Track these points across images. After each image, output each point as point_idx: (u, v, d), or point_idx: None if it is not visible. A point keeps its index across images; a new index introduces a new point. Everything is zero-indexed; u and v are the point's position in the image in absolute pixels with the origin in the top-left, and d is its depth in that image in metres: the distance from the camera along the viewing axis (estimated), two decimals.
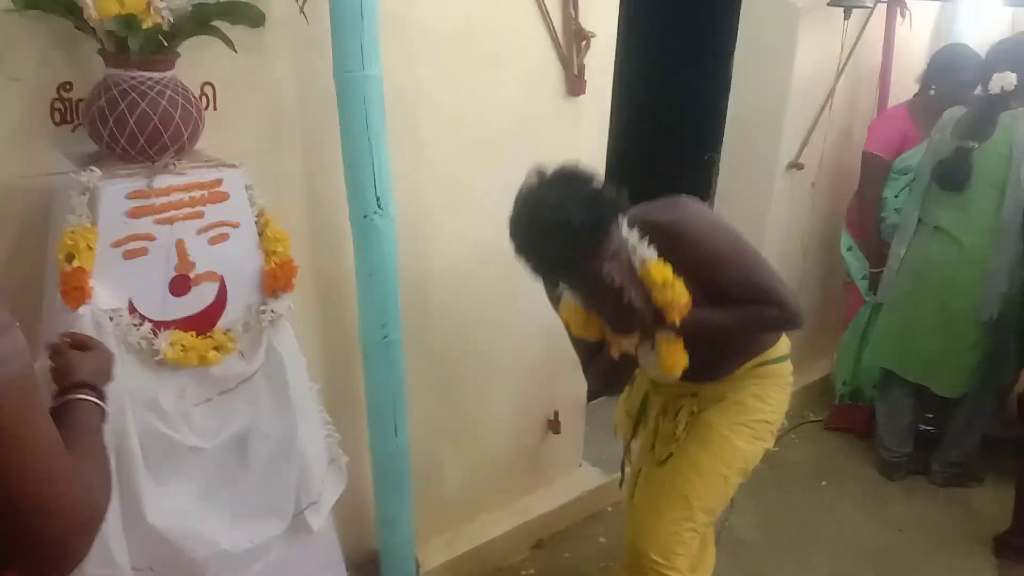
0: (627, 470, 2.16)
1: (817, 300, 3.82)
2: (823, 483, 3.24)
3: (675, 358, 1.74)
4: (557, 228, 1.50)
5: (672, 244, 1.66)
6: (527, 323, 2.57)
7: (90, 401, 1.12)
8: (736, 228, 1.85)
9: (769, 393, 1.97)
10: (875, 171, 3.14)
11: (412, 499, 2.18)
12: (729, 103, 3.41)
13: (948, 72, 3.07)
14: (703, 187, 3.62)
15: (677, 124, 3.57)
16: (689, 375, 1.78)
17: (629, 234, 1.65)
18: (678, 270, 1.65)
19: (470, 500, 2.64)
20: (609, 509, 2.98)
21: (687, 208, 1.76)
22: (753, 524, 2.92)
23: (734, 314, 1.79)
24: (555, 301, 1.85)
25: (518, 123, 2.31)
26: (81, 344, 1.24)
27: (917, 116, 3.13)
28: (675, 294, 1.63)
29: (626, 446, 2.18)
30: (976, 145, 2.79)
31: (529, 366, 2.67)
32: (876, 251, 3.20)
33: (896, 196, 3.14)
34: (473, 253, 2.34)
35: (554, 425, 2.81)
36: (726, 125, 3.45)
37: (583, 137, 2.51)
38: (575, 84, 2.38)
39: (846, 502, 3.12)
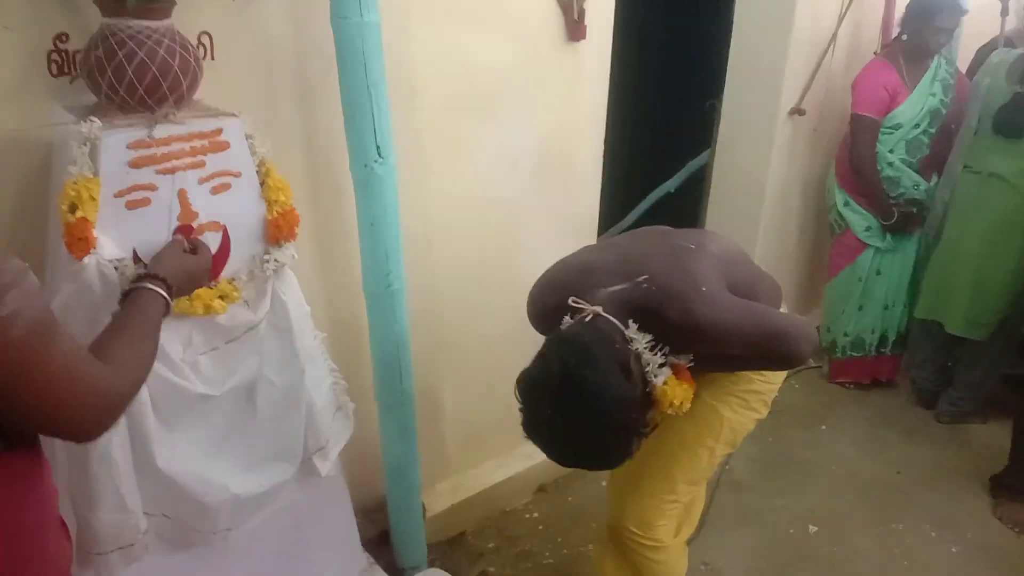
0: None
1: (814, 247, 3.84)
2: (823, 427, 3.29)
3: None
4: (587, 462, 1.57)
5: (684, 337, 1.56)
6: (526, 272, 2.57)
7: (155, 291, 1.30)
8: (749, 269, 1.80)
9: None
10: (868, 131, 3.12)
11: (418, 446, 2.21)
12: (731, 48, 3.38)
13: (921, 17, 3.05)
14: (705, 134, 3.61)
15: (679, 70, 3.54)
16: None
17: (640, 343, 1.53)
18: (688, 348, 1.60)
19: (473, 447, 2.69)
20: None
21: (699, 302, 1.56)
22: (752, 467, 2.97)
23: (739, 366, 1.77)
24: None
25: (517, 69, 2.29)
26: (193, 248, 1.46)
27: (898, 66, 3.11)
28: (680, 410, 1.57)
29: None
30: None
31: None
32: (885, 206, 3.20)
33: (891, 151, 3.13)
34: (473, 202, 2.35)
35: None
36: (728, 71, 3.42)
37: (583, 83, 2.49)
38: (575, 29, 2.35)
39: (845, 445, 3.17)
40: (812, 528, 2.70)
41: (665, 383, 1.52)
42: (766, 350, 1.64)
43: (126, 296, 1.31)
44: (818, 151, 3.55)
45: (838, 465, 3.05)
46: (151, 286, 1.31)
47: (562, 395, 1.45)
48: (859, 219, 3.29)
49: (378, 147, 1.82)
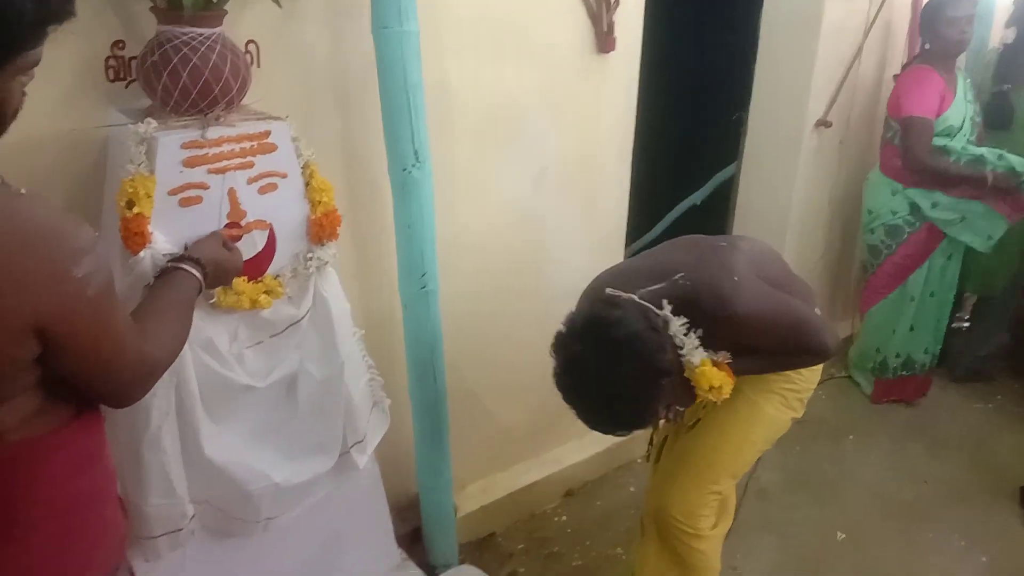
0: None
1: (840, 260, 3.85)
2: (849, 438, 3.29)
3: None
4: (614, 417, 1.61)
5: (719, 327, 1.65)
6: (557, 278, 2.63)
7: (191, 273, 1.36)
8: (781, 268, 1.88)
9: None
10: (924, 131, 3.07)
11: (450, 446, 2.26)
12: (757, 61, 3.42)
13: (933, 15, 3.09)
14: (731, 146, 3.64)
15: (706, 82, 3.59)
16: None
17: (674, 325, 1.62)
18: (722, 340, 1.67)
19: (504, 450, 2.73)
20: (639, 460, 3.05)
21: (731, 289, 1.66)
22: (778, 477, 2.98)
23: (770, 362, 1.82)
24: None
25: (549, 79, 2.35)
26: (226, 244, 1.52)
27: (941, 72, 3.11)
28: (721, 394, 1.65)
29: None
30: (1009, 87, 3.27)
31: (556, 323, 2.71)
32: (977, 175, 3.05)
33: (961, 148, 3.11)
34: (504, 209, 2.40)
35: None
36: (754, 84, 3.46)
37: (612, 93, 2.54)
38: (605, 41, 2.41)
39: (872, 457, 3.17)
40: (840, 535, 2.70)
41: (702, 363, 1.60)
42: (796, 340, 1.73)
43: (163, 274, 1.38)
44: (844, 164, 3.58)
45: (864, 477, 3.04)
46: (188, 268, 1.38)
47: (587, 334, 1.58)
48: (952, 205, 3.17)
49: (415, 151, 1.89)
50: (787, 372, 1.92)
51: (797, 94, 3.33)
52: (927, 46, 3.14)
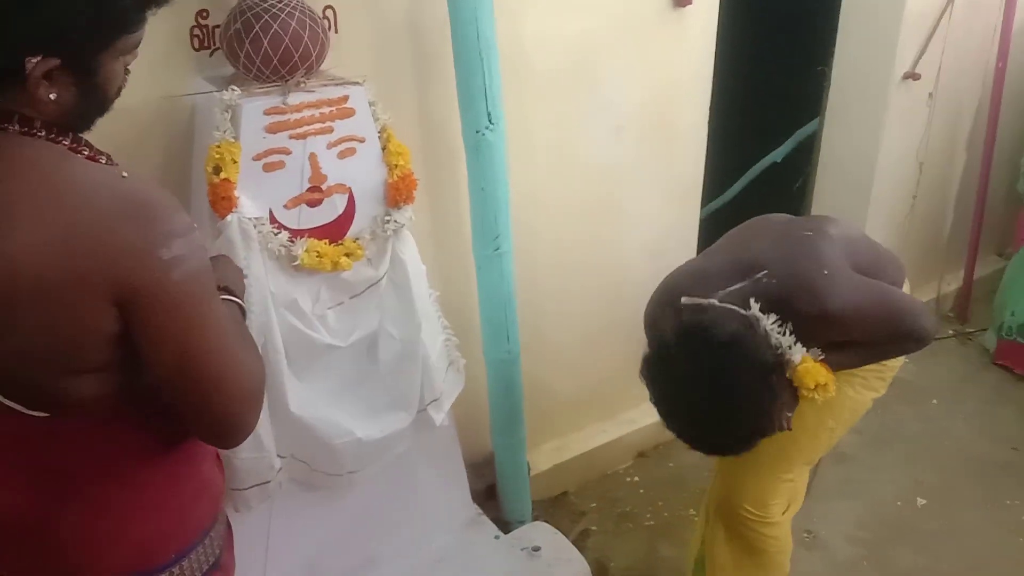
0: None
1: (929, 218, 3.71)
2: (933, 401, 3.20)
3: None
4: (736, 430, 1.48)
5: (813, 326, 1.55)
6: (631, 241, 2.62)
7: (233, 301, 1.26)
8: (870, 250, 1.77)
9: None
10: None
11: (523, 405, 2.29)
12: (841, 11, 3.28)
13: None
14: (814, 101, 3.52)
15: (787, 35, 3.46)
16: None
17: (765, 323, 1.53)
18: (815, 339, 1.57)
19: (577, 411, 2.75)
20: None
21: (825, 285, 1.55)
22: (857, 440, 2.91)
23: (867, 353, 1.70)
24: None
25: (623, 36, 2.31)
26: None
27: None
28: (826, 392, 1.54)
29: None
30: None
31: (632, 283, 2.70)
32: None
33: None
34: (578, 169, 2.39)
35: None
36: (839, 35, 3.33)
37: (689, 50, 2.48)
38: None
39: (957, 420, 3.08)
40: (920, 501, 2.65)
41: (804, 360, 1.51)
42: (893, 328, 1.63)
43: None
44: (934, 118, 3.42)
45: (948, 440, 2.96)
46: (229, 297, 1.27)
47: (684, 347, 1.46)
48: None
49: (489, 113, 1.89)
50: None
51: (884, 45, 3.18)
52: None
